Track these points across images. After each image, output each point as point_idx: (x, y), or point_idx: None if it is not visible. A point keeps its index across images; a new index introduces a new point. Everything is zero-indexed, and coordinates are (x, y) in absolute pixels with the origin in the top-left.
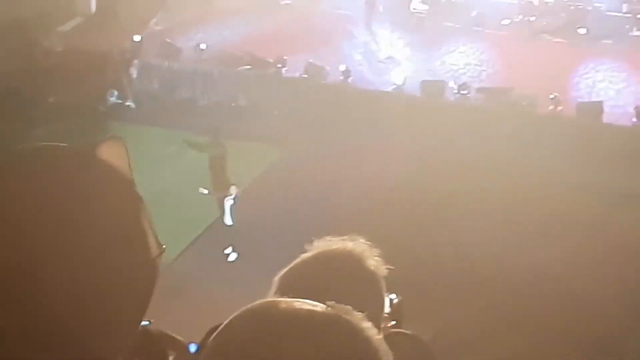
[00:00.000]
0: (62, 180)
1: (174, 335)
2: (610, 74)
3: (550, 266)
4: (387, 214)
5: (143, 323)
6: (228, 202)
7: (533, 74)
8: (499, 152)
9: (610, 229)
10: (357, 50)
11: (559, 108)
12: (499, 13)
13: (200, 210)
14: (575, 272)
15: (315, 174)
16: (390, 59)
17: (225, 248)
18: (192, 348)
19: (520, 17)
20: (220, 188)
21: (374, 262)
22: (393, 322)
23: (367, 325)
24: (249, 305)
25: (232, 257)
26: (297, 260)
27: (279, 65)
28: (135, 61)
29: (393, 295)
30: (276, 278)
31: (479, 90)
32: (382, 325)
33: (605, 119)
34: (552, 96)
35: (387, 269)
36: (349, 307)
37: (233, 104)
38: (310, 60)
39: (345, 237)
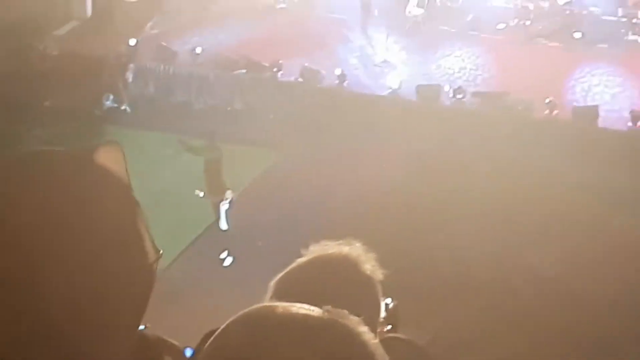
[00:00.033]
0: (59, 185)
1: (170, 340)
2: (605, 78)
3: (548, 267)
4: (383, 218)
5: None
6: (223, 207)
7: (529, 78)
8: (494, 156)
9: (606, 232)
10: (353, 54)
11: (555, 112)
12: (495, 17)
13: (196, 215)
14: (572, 274)
15: (311, 178)
16: (385, 63)
17: (220, 252)
18: (188, 353)
19: (516, 21)
20: (215, 192)
21: (370, 266)
22: (389, 327)
23: (363, 329)
24: (245, 310)
25: (228, 261)
26: (293, 264)
27: (274, 69)
28: (131, 65)
29: (389, 300)
30: (272, 283)
31: (475, 94)
32: (378, 330)
33: (601, 123)
34: (547, 100)
35: (383, 273)
36: (345, 311)
37: (229, 108)
38: (305, 64)
39: (341, 241)
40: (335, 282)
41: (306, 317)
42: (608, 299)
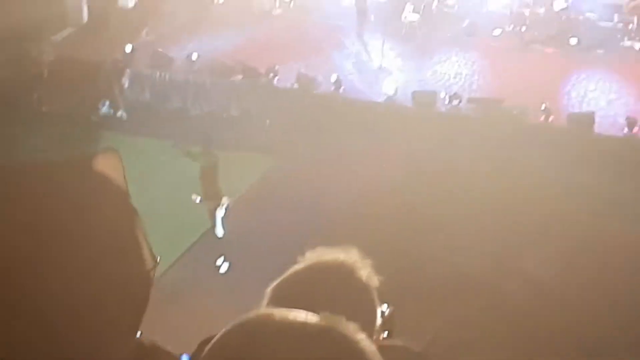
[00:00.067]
0: (58, 192)
1: (166, 346)
2: (601, 84)
3: (545, 271)
4: (379, 223)
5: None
6: (219, 213)
7: (524, 84)
8: (490, 162)
9: (602, 238)
10: (349, 60)
11: (550, 118)
12: (491, 23)
13: (192, 221)
14: (569, 277)
15: (307, 183)
16: (381, 69)
17: (216, 259)
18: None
19: (512, 27)
20: (211, 198)
21: (366, 273)
22: (385, 334)
23: (361, 336)
24: (242, 317)
25: (224, 268)
26: (289, 271)
27: (270, 75)
28: (127, 71)
29: (385, 306)
30: (268, 289)
31: (471, 100)
32: (374, 337)
33: (597, 129)
34: (543, 106)
35: (379, 279)
36: (343, 318)
37: (225, 114)
38: (301, 70)
39: (338, 248)
40: (331, 288)
41: (304, 324)
42: (604, 302)
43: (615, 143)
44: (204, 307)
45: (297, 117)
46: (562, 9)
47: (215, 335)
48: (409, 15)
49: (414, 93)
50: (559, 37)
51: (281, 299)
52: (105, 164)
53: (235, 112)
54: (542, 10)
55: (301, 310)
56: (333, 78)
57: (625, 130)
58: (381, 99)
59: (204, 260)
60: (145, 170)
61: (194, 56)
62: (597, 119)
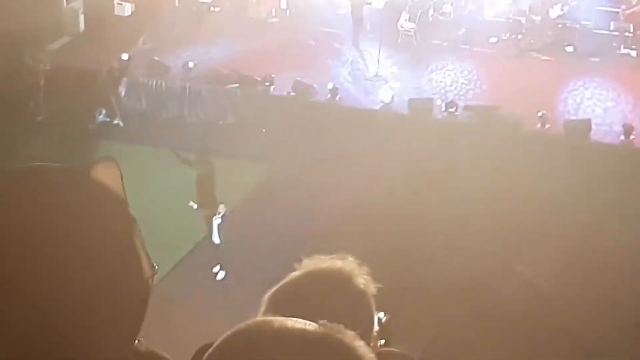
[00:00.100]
0: (56, 201)
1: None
2: (597, 91)
3: (541, 277)
4: (376, 232)
5: None
6: (216, 221)
7: (521, 92)
8: (487, 168)
9: (597, 243)
10: (345, 68)
11: (547, 126)
12: (487, 31)
13: (188, 229)
14: (566, 279)
15: (304, 191)
16: (377, 77)
17: (213, 267)
18: None
19: (508, 35)
20: (208, 206)
21: (364, 280)
22: (382, 341)
23: (359, 344)
24: (241, 324)
25: (220, 275)
26: (286, 279)
27: (266, 83)
28: (124, 79)
29: (381, 314)
30: (265, 297)
31: (467, 107)
32: (371, 344)
33: (593, 136)
34: (540, 114)
35: (376, 287)
36: (341, 326)
37: (221, 122)
38: (298, 78)
39: (335, 255)
40: (329, 296)
41: (303, 332)
42: (601, 304)
43: (612, 150)
44: (200, 315)
45: (293, 125)
46: (559, 17)
47: (213, 343)
48: (405, 23)
49: (410, 100)
50: (555, 44)
51: (278, 306)
52: (104, 173)
53: (231, 120)
54: (538, 18)
55: (299, 318)
56: (329, 86)
57: (622, 137)
58: (378, 107)
59: (201, 268)
60: (141, 178)
61: (191, 64)
62: (593, 126)
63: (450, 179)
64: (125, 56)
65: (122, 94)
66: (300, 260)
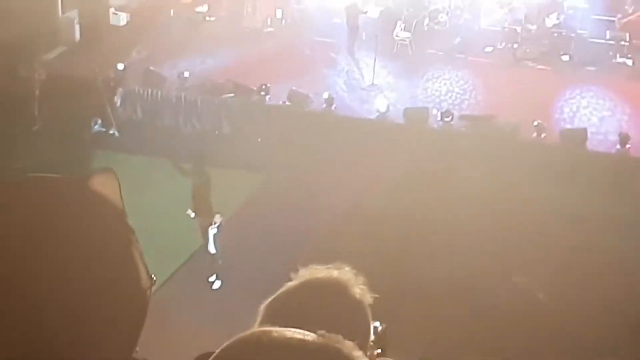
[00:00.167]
0: (55, 212)
1: None
2: (593, 100)
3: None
4: (371, 240)
5: None
6: (212, 231)
7: (516, 101)
8: (483, 178)
9: (594, 254)
10: (340, 77)
11: (543, 135)
12: (482, 40)
13: (184, 239)
14: (563, 286)
15: (299, 201)
16: (373, 86)
17: (209, 276)
18: None
19: (504, 44)
20: (203, 215)
21: (360, 290)
22: (378, 351)
23: (358, 354)
24: (240, 335)
25: (216, 285)
26: (283, 289)
27: (262, 93)
28: (119, 89)
29: (377, 323)
30: (262, 307)
31: (463, 117)
32: (368, 354)
33: (589, 145)
34: (535, 123)
35: (373, 296)
36: (339, 336)
37: (217, 132)
38: (293, 88)
39: (331, 265)
40: (325, 306)
41: (302, 342)
42: (596, 307)
43: (608, 159)
44: (196, 324)
45: (288, 135)
46: (554, 26)
47: (211, 353)
48: (401, 32)
49: (405, 110)
50: (551, 53)
51: (275, 316)
52: (102, 183)
53: (227, 129)
54: (534, 27)
55: (297, 329)
56: (325, 95)
57: (618, 146)
58: (373, 116)
59: (197, 278)
60: (136, 188)
61: (186, 74)
62: (589, 135)
63: (446, 189)
64: (120, 66)
65: (118, 103)
66: (296, 270)
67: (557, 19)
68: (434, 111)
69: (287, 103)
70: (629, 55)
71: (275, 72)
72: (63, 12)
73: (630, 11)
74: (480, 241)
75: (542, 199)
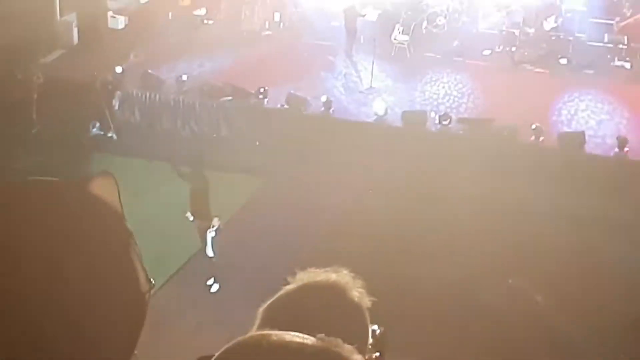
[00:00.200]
0: (54, 215)
1: None
2: (591, 104)
3: (534, 290)
4: (370, 243)
5: None
6: (210, 234)
7: (514, 104)
8: (480, 180)
9: (592, 258)
10: (339, 80)
11: (541, 138)
12: (480, 43)
13: (182, 242)
14: (560, 290)
15: (298, 204)
16: (371, 90)
17: (207, 279)
18: None
19: (502, 47)
20: (202, 219)
21: (358, 293)
22: (377, 354)
23: (357, 357)
24: (239, 338)
25: (214, 288)
26: (281, 292)
27: (260, 96)
28: (118, 92)
29: (375, 326)
30: (260, 310)
31: (461, 120)
32: (366, 357)
33: (587, 148)
34: (533, 126)
35: (371, 299)
36: (339, 339)
37: (215, 135)
38: (291, 91)
39: (329, 268)
40: (323, 309)
41: (301, 346)
42: (592, 309)
43: (606, 162)
44: (194, 327)
45: (287, 138)
46: (552, 29)
47: (210, 356)
48: (399, 36)
49: (403, 113)
50: (549, 57)
51: (273, 319)
52: (101, 187)
53: (225, 132)
54: (532, 31)
55: (297, 332)
56: (323, 98)
57: (616, 149)
58: (371, 119)
59: (195, 281)
60: (134, 191)
61: (184, 77)
62: (587, 139)
63: (444, 192)
64: (119, 69)
65: (116, 106)
66: (294, 274)
67: (555, 22)
68: (432, 114)
69: (285, 106)
70: (627, 59)
71: (273, 75)
72: (61, 16)
73: (628, 14)
74: (478, 243)
75: (539, 202)
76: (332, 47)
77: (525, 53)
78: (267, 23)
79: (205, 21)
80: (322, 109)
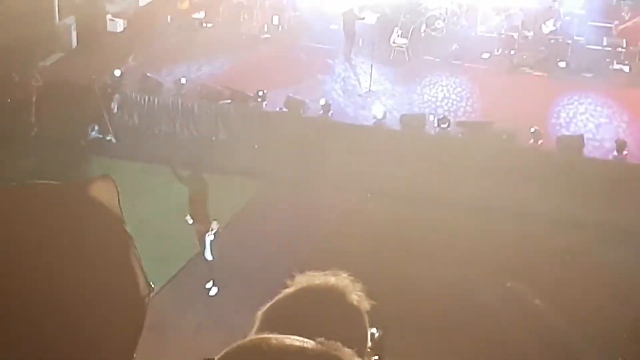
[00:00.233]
0: (54, 218)
1: None
2: (590, 107)
3: (533, 295)
4: (368, 246)
5: None
6: (208, 237)
7: (513, 107)
8: (479, 184)
9: (590, 261)
10: (337, 84)
11: (540, 141)
12: (479, 47)
13: (181, 246)
14: (557, 303)
15: (296, 207)
16: (370, 93)
17: (206, 282)
18: None
19: (500, 50)
20: (200, 222)
21: (357, 296)
22: (376, 357)
23: None
24: (239, 342)
25: (213, 291)
26: (280, 295)
27: (259, 99)
28: (116, 95)
29: (374, 330)
30: (259, 313)
31: (459, 123)
32: None
33: (586, 152)
34: (532, 130)
35: (370, 303)
36: (338, 343)
37: (213, 138)
38: (290, 94)
39: (328, 271)
40: (322, 312)
41: (301, 349)
42: (588, 312)
43: (605, 165)
44: (193, 330)
45: (285, 141)
46: (551, 32)
47: (210, 359)
48: (397, 39)
49: (402, 116)
50: (548, 60)
51: (272, 323)
52: (100, 190)
53: (223, 136)
54: (530, 34)
55: (296, 336)
56: (322, 102)
57: (615, 152)
58: (370, 123)
59: (194, 284)
60: (133, 194)
61: (183, 80)
62: (586, 142)
63: (442, 195)
64: (117, 72)
65: (115, 109)
66: (293, 277)
67: (554, 25)
68: (431, 118)
69: (284, 109)
70: (626, 62)
71: (272, 79)
72: (60, 19)
73: (627, 17)
74: (476, 246)
75: (538, 204)
76: (330, 50)
77: (524, 56)
78: (265, 26)
79: (204, 24)
80: (321, 112)
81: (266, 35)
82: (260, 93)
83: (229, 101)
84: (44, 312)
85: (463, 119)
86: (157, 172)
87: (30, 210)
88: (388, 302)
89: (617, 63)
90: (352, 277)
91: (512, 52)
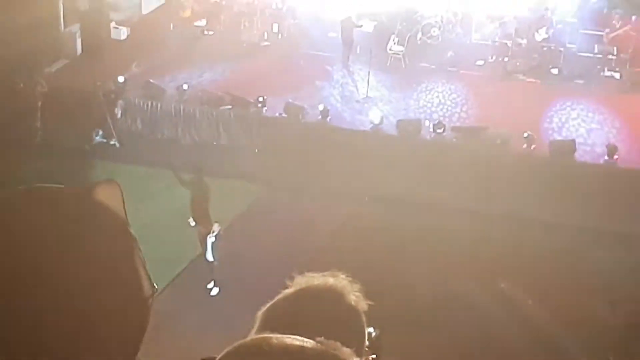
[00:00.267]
0: (58, 222)
1: None
2: (582, 113)
3: (525, 299)
4: (366, 250)
5: None
6: (210, 239)
7: (507, 113)
8: (474, 188)
9: (582, 266)
10: (335, 90)
11: (533, 146)
12: (474, 54)
13: (182, 247)
14: (550, 304)
15: (296, 211)
16: (367, 99)
17: (207, 283)
18: None
19: (494, 58)
20: (202, 225)
21: (355, 297)
22: (373, 356)
23: None
24: (240, 341)
25: (214, 292)
26: (280, 296)
27: (259, 105)
28: (120, 101)
29: (371, 329)
30: (259, 313)
31: (454, 129)
32: (363, 359)
33: (577, 156)
34: (525, 134)
35: (368, 303)
36: (338, 343)
37: (215, 143)
38: (289, 100)
39: (326, 272)
40: (321, 313)
41: (301, 349)
42: (584, 314)
43: (596, 170)
44: (195, 331)
45: (285, 146)
46: (544, 40)
47: (211, 359)
48: (394, 46)
49: (398, 122)
50: (541, 67)
51: (272, 323)
52: (105, 194)
53: (224, 140)
54: (524, 42)
55: (295, 335)
56: (320, 107)
57: (606, 157)
58: (367, 128)
59: (195, 285)
60: (136, 198)
61: (185, 86)
62: (577, 147)
63: (438, 199)
64: (121, 78)
65: (118, 115)
66: (292, 278)
67: (547, 33)
68: (427, 123)
69: (284, 115)
70: (617, 69)
71: (271, 85)
72: (65, 26)
73: (617, 26)
74: (471, 249)
75: (531, 208)
76: (329, 58)
77: (518, 63)
78: (265, 34)
79: (206, 32)
80: (319, 117)
81: (266, 43)
82: (261, 99)
83: (230, 107)
84: (48, 314)
85: (458, 124)
86: (159, 175)
87: (36, 213)
88: (385, 302)
89: (608, 70)
90: (350, 278)
91: (506, 59)
